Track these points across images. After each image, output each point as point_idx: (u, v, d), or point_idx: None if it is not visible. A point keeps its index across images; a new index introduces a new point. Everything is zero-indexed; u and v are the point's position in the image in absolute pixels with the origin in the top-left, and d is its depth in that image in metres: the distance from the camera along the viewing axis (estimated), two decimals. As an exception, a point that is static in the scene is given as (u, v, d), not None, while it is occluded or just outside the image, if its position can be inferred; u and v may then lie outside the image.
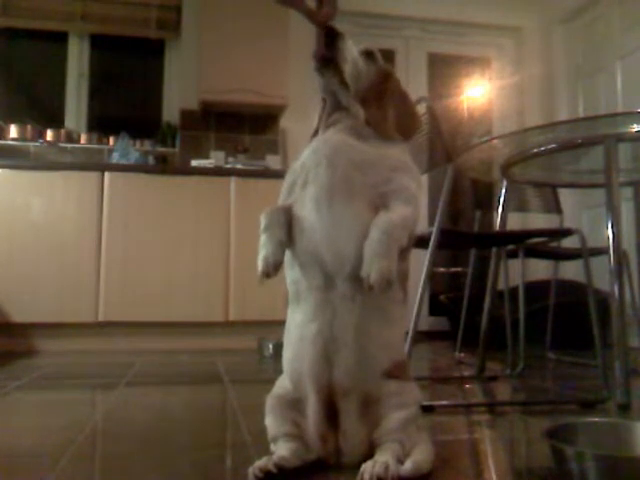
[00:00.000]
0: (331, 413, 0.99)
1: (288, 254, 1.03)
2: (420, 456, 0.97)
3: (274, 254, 0.98)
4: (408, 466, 0.94)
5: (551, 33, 4.34)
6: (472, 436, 1.40)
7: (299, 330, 1.01)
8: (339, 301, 0.97)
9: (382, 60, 1.14)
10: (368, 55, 1.11)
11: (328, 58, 1.04)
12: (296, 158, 1.10)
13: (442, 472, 1.03)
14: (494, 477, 1.11)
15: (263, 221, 1.02)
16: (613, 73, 3.78)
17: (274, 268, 0.98)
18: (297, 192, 1.04)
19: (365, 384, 0.99)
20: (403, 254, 1.00)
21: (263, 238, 1.01)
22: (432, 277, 3.78)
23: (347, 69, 1.05)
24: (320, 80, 1.08)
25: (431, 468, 0.99)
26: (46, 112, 4.05)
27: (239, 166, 3.66)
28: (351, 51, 1.07)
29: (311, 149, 1.06)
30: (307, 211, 1.00)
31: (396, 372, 1.01)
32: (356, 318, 0.97)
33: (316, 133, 1.13)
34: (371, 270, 0.92)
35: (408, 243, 1.00)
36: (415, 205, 1.02)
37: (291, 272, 1.03)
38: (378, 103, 1.09)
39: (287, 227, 1.01)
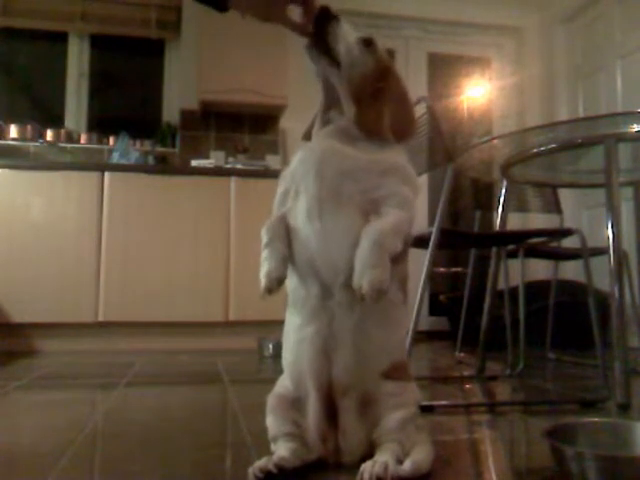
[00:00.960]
0: (331, 412, 0.99)
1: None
2: (419, 456, 0.97)
3: (277, 270, 0.97)
4: (407, 466, 0.94)
5: (551, 33, 4.34)
6: (472, 436, 1.40)
7: (298, 333, 1.01)
8: (337, 308, 0.97)
9: (384, 52, 1.09)
10: (366, 43, 1.05)
11: (318, 37, 1.01)
12: (289, 163, 1.08)
13: (442, 472, 1.03)
14: (494, 477, 1.11)
15: (265, 236, 1.01)
16: (613, 73, 3.78)
17: (277, 284, 0.97)
18: (290, 201, 1.03)
19: (363, 383, 0.99)
20: (400, 257, 1.00)
21: (265, 253, 0.99)
22: (432, 277, 3.78)
23: (340, 49, 1.02)
24: (311, 62, 1.04)
25: (430, 468, 0.99)
26: (46, 112, 4.05)
27: (239, 166, 3.66)
28: (346, 36, 1.03)
29: (299, 158, 1.04)
30: (300, 222, 0.99)
31: (396, 373, 1.01)
32: (354, 322, 0.97)
33: (308, 135, 1.11)
34: (362, 281, 0.90)
35: (404, 246, 0.99)
36: (408, 208, 1.00)
37: (290, 278, 1.03)
38: (373, 101, 1.05)
39: (288, 240, 1.01)
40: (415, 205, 1.02)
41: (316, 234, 0.97)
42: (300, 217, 0.99)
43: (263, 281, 0.97)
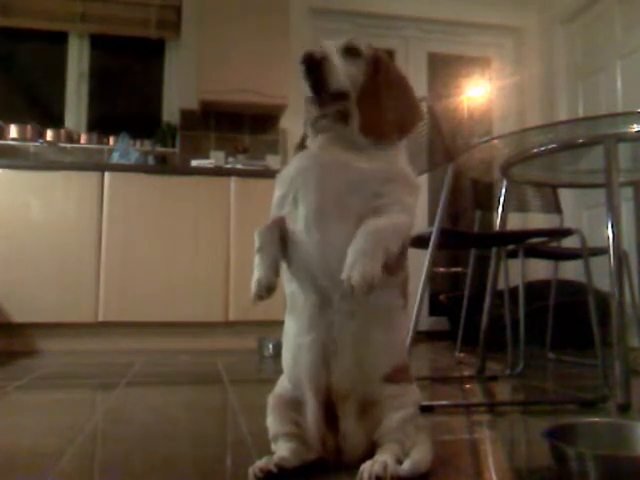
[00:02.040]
0: (331, 415, 0.99)
1: (285, 266, 1.02)
2: (418, 456, 0.97)
3: (267, 277, 0.96)
4: (407, 466, 0.94)
5: (551, 33, 4.34)
6: (472, 436, 1.40)
7: (296, 339, 1.01)
8: (337, 317, 0.96)
9: (366, 47, 1.04)
10: (350, 53, 1.01)
11: (316, 86, 0.97)
12: (285, 166, 1.06)
13: (442, 472, 1.03)
14: (494, 477, 1.11)
15: (257, 241, 0.99)
16: (613, 73, 3.78)
17: (267, 291, 0.95)
18: (288, 207, 1.00)
19: (364, 388, 0.99)
20: (400, 263, 0.99)
21: (257, 259, 0.98)
22: (432, 277, 3.79)
23: (344, 81, 0.98)
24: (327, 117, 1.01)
25: (430, 467, 0.99)
26: (46, 112, 4.05)
27: (239, 166, 3.66)
28: (338, 65, 0.98)
29: (299, 166, 1.01)
30: (299, 231, 0.98)
31: (397, 376, 1.01)
32: (355, 329, 0.96)
33: (302, 145, 1.07)
34: (353, 272, 0.88)
35: (402, 250, 0.98)
36: (409, 214, 0.98)
37: (288, 284, 1.02)
38: (373, 100, 1.01)
39: (282, 243, 0.99)
40: (415, 211, 1.01)
41: (315, 244, 0.96)
42: (299, 226, 0.98)
43: (254, 288, 0.96)
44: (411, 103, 1.08)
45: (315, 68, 0.96)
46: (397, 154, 1.04)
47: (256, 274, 0.97)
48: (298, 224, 0.98)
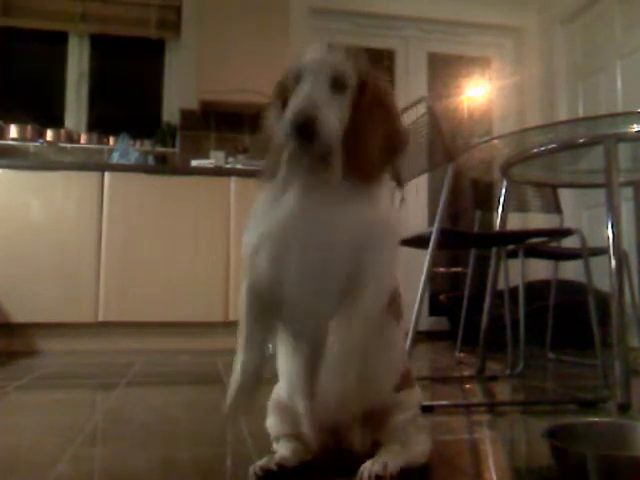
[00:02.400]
0: (331, 423, 0.98)
1: None
2: (417, 448, 0.99)
3: (255, 361, 0.96)
4: (402, 461, 0.95)
5: (551, 33, 4.34)
6: (472, 436, 1.40)
7: (289, 369, 1.00)
8: (329, 358, 0.92)
9: (356, 69, 0.93)
10: (338, 85, 0.91)
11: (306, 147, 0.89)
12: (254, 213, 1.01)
13: (442, 472, 1.03)
14: (494, 477, 1.11)
15: (244, 329, 0.96)
16: (613, 73, 3.78)
17: (255, 381, 0.94)
18: (265, 264, 0.93)
19: (364, 408, 0.97)
20: (392, 302, 0.97)
21: (243, 346, 0.96)
22: (432, 277, 3.78)
23: (332, 133, 0.89)
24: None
25: (425, 462, 1.00)
26: (46, 112, 4.05)
27: (239, 166, 3.65)
28: (327, 122, 0.87)
29: (276, 219, 0.93)
30: (283, 291, 0.92)
31: (399, 385, 1.01)
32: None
33: (273, 172, 0.96)
34: (330, 392, 0.90)
35: (393, 294, 0.97)
36: (388, 278, 0.95)
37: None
38: (358, 138, 0.92)
39: (269, 313, 0.96)
40: (398, 256, 0.98)
41: (301, 304, 0.92)
42: (283, 287, 0.92)
43: (237, 379, 0.93)
44: (397, 129, 0.98)
45: (305, 130, 0.86)
46: (380, 196, 0.96)
47: (239, 365, 0.95)
48: (281, 285, 0.92)
